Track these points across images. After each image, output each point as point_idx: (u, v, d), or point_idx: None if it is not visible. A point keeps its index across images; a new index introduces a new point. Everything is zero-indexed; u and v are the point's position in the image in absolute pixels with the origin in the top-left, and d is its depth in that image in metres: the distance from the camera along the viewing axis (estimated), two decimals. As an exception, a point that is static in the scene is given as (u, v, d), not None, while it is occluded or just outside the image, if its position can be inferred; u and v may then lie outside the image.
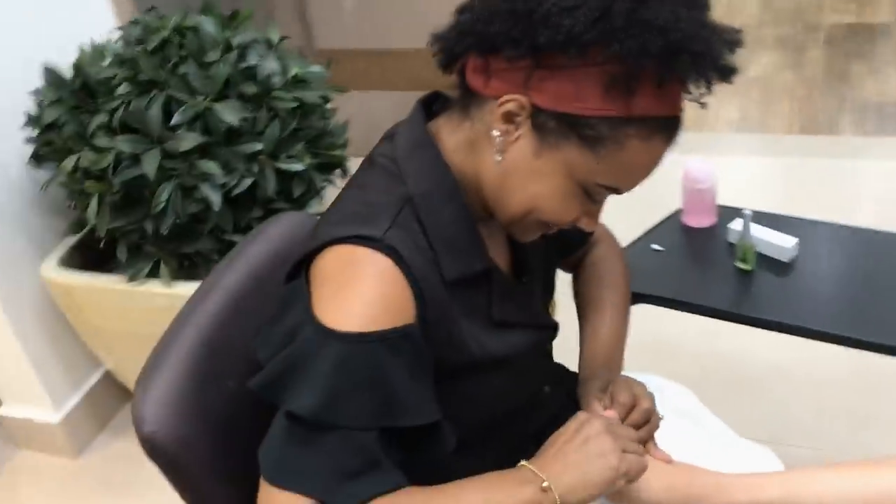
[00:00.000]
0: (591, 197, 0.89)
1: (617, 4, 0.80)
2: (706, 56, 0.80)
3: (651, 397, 1.01)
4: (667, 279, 1.31)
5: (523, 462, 0.88)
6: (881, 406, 1.95)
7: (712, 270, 1.35)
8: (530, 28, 0.81)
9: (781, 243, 1.29)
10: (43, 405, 2.15)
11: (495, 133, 0.87)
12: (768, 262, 1.31)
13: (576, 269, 1.26)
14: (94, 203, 1.74)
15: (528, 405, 1.08)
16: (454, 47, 0.88)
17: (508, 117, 0.86)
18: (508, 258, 1.04)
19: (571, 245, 1.21)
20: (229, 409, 1.04)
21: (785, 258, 1.30)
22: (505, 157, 0.88)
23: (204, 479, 1.00)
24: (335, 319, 0.82)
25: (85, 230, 1.87)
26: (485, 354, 0.94)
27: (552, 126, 0.84)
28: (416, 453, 0.89)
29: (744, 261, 1.29)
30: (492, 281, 0.96)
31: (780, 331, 1.21)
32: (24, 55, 1.84)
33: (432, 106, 0.99)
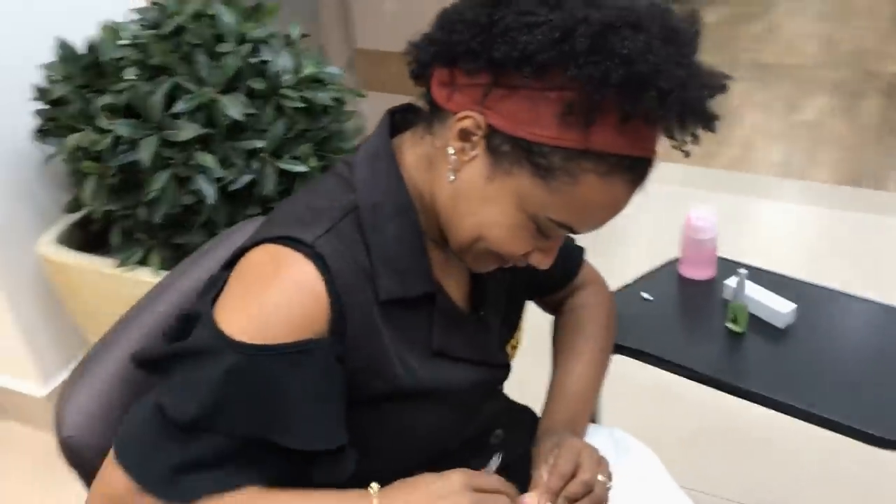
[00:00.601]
0: (543, 232, 0.83)
1: (582, 27, 0.73)
2: (674, 94, 0.73)
3: (596, 466, 0.92)
4: (650, 332, 1.23)
5: (372, 486, 0.82)
6: (889, 480, 1.84)
7: (701, 328, 1.26)
8: (489, 40, 0.76)
9: (777, 307, 1.20)
10: (31, 378, 2.14)
11: (450, 150, 0.82)
12: (762, 326, 1.22)
13: (557, 312, 1.18)
14: (90, 184, 1.71)
15: (473, 448, 1.01)
16: (422, 56, 0.83)
17: (464, 135, 0.81)
18: (467, 288, 0.97)
19: (549, 284, 1.14)
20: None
21: (780, 324, 1.21)
22: (458, 178, 0.83)
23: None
24: (234, 326, 0.78)
25: (82, 211, 1.85)
26: (415, 385, 0.87)
27: (506, 150, 0.79)
28: (306, 474, 0.83)
29: (735, 321, 1.20)
30: (435, 307, 0.89)
31: (765, 405, 1.12)
32: (43, 27, 1.82)
33: (406, 116, 0.93)
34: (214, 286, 0.85)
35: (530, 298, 1.17)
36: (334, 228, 0.83)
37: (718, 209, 2.79)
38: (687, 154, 0.84)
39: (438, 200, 0.86)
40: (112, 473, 0.80)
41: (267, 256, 0.82)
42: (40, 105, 1.78)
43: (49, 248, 1.88)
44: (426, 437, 0.91)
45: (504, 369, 1.00)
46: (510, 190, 0.80)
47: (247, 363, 0.78)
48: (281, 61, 1.73)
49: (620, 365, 2.11)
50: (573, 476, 0.90)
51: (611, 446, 1.14)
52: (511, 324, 1.03)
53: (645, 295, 1.30)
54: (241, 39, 1.73)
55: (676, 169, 3.05)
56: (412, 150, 0.88)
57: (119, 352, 1.00)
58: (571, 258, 1.16)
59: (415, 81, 0.87)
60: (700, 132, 0.81)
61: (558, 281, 1.15)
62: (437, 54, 0.82)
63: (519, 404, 1.21)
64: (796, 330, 1.21)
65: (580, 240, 1.07)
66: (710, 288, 1.30)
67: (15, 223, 1.94)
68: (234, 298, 0.81)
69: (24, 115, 1.82)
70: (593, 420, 1.39)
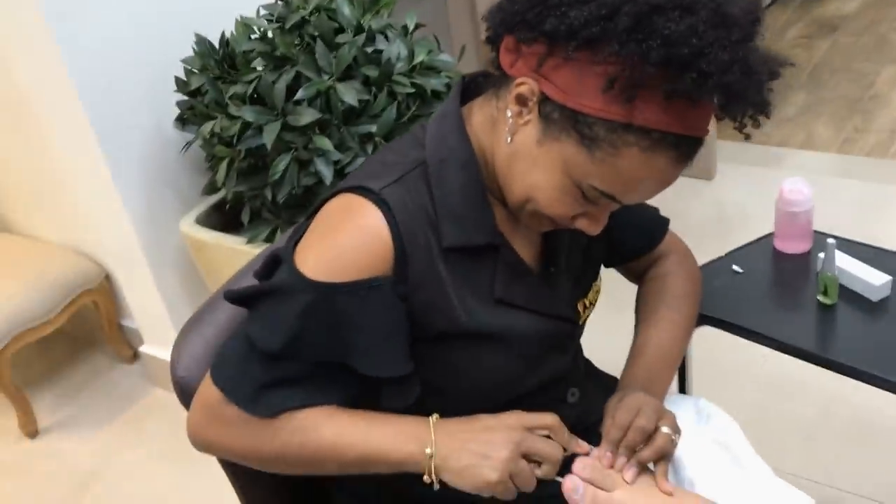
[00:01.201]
0: (589, 199, 0.87)
1: (628, 6, 0.77)
2: (715, 77, 0.76)
3: (654, 416, 0.95)
4: (737, 303, 1.22)
5: (434, 417, 0.90)
6: None
7: (791, 300, 1.24)
8: (543, 13, 0.81)
9: (871, 279, 1.17)
10: (176, 348, 2.34)
11: (508, 113, 0.88)
12: (855, 299, 1.19)
13: (640, 281, 1.21)
14: (223, 167, 1.87)
15: (548, 405, 1.05)
16: (492, 23, 0.90)
17: (521, 100, 0.86)
18: (538, 247, 1.02)
19: (630, 251, 1.17)
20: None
21: (874, 297, 1.17)
22: (514, 140, 0.88)
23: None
24: (309, 266, 0.89)
25: (218, 194, 2.01)
26: (476, 326, 0.93)
27: (556, 117, 0.84)
28: (374, 401, 0.93)
29: (825, 293, 1.18)
30: (498, 257, 0.95)
31: (855, 377, 1.10)
32: (186, 25, 1.99)
33: (481, 83, 1.00)
34: (298, 232, 0.96)
35: (614, 265, 1.20)
36: (402, 179, 0.91)
37: (859, 198, 2.70)
38: (747, 136, 0.86)
39: (497, 160, 0.92)
40: (208, 388, 0.95)
41: (340, 204, 0.92)
42: (180, 96, 1.96)
43: (190, 227, 2.06)
44: (486, 378, 0.96)
45: (570, 324, 1.04)
46: (558, 155, 0.85)
47: (322, 300, 0.88)
48: (394, 50, 1.82)
49: (742, 352, 2.09)
50: (629, 426, 0.93)
51: (693, 413, 1.15)
52: (585, 284, 1.07)
53: (735, 267, 1.29)
54: (359, 30, 1.84)
55: (811, 156, 2.96)
56: (480, 112, 0.95)
57: (227, 306, 1.11)
58: (655, 227, 1.19)
59: (490, 47, 0.93)
60: (764, 119, 0.84)
61: (640, 248, 1.17)
62: (502, 22, 0.87)
63: (603, 372, 1.24)
64: (891, 303, 1.17)
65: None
66: (804, 261, 1.28)
67: (160, 205, 2.13)
68: (311, 242, 0.92)
69: (170, 105, 2.00)
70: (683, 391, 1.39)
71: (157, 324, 2.34)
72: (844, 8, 4.21)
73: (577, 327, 1.05)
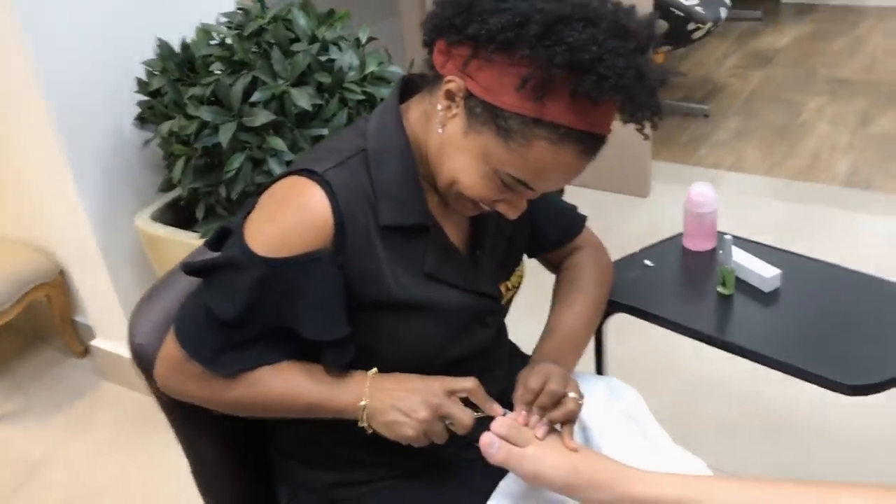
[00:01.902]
0: (506, 185, 0.99)
1: (537, 16, 0.90)
2: (611, 81, 0.89)
3: (563, 382, 1.07)
4: (647, 293, 1.36)
5: (373, 372, 1.06)
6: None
7: (694, 291, 1.38)
8: (467, 19, 0.94)
9: (763, 272, 1.31)
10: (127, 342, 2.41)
11: (439, 107, 1.00)
12: (750, 290, 1.33)
13: (557, 270, 1.34)
14: (180, 164, 1.96)
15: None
16: (427, 28, 1.02)
17: (450, 95, 0.98)
18: (466, 233, 1.15)
19: (548, 242, 1.30)
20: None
21: (765, 288, 1.32)
22: (444, 131, 1.01)
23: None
24: (259, 243, 1.01)
25: (174, 192, 2.10)
26: (406, 297, 1.06)
27: (478, 112, 0.96)
28: (314, 359, 1.07)
29: (723, 285, 1.32)
30: (429, 237, 1.07)
31: (747, 357, 1.24)
32: (150, 29, 2.09)
33: (419, 82, 1.12)
34: (247, 208, 1.07)
35: (535, 255, 1.33)
36: (344, 163, 1.04)
37: (782, 218, 2.88)
38: (646, 136, 1.00)
39: (429, 148, 1.04)
40: (173, 346, 1.07)
41: (287, 184, 1.04)
42: (141, 96, 2.05)
43: (145, 223, 2.15)
44: (412, 344, 1.08)
45: (492, 300, 1.16)
46: (479, 145, 0.97)
47: (270, 274, 1.00)
48: (346, 59, 1.94)
49: (662, 357, 2.22)
50: (540, 391, 1.06)
51: (604, 388, 1.28)
52: (508, 268, 1.19)
53: (647, 262, 1.43)
54: (313, 40, 1.95)
55: (740, 178, 3.15)
56: (416, 108, 1.07)
57: (183, 279, 1.21)
58: (572, 222, 1.32)
59: (426, 50, 1.05)
60: (657, 120, 0.97)
61: (558, 240, 1.30)
62: (434, 27, 1.00)
63: (527, 354, 1.36)
64: (780, 294, 1.32)
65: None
66: (708, 258, 1.42)
67: (117, 201, 2.21)
68: (259, 220, 1.03)
69: (128, 105, 2.10)
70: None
71: (109, 318, 2.41)
72: (778, 42, 4.46)
73: (499, 305, 1.17)
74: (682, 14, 3.18)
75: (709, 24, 3.28)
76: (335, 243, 1.02)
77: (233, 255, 1.03)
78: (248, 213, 1.06)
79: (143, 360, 1.16)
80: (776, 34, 4.57)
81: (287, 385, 1.06)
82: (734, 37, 4.58)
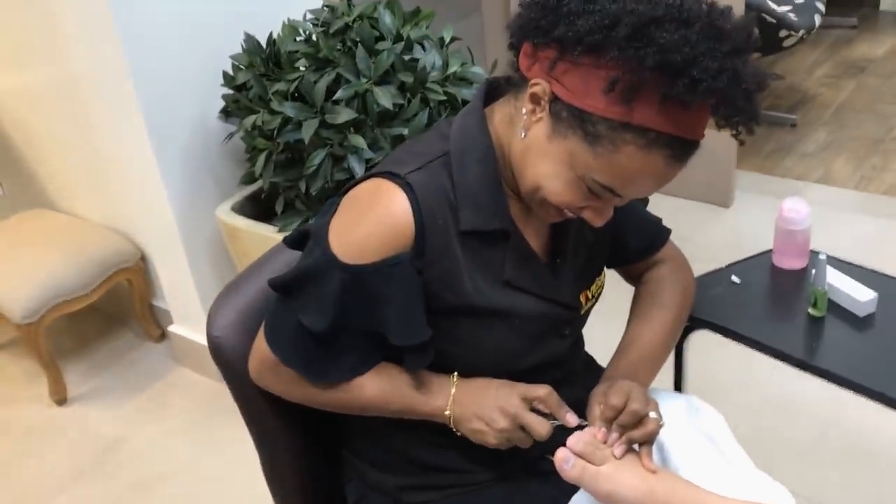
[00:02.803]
0: (593, 192, 0.96)
1: (627, 17, 0.88)
2: (705, 84, 0.85)
3: (645, 402, 1.04)
4: (733, 310, 1.31)
5: (455, 377, 1.08)
6: None
7: (783, 311, 1.33)
8: (555, 21, 0.92)
9: (857, 295, 1.25)
10: (204, 330, 2.45)
11: (523, 111, 0.98)
12: (843, 314, 1.27)
13: (637, 283, 1.30)
14: (262, 158, 1.98)
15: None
16: (513, 31, 1.00)
17: (535, 99, 0.96)
18: (546, 239, 1.12)
19: (631, 253, 1.26)
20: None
21: (860, 312, 1.26)
22: (528, 135, 0.98)
23: (250, 382, 1.16)
24: (341, 248, 1.01)
25: (255, 185, 2.13)
26: (484, 303, 1.04)
27: (564, 116, 0.94)
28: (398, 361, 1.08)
29: (815, 306, 1.27)
30: (510, 243, 1.06)
31: (838, 384, 1.18)
32: (238, 24, 2.12)
33: (504, 86, 1.09)
34: (330, 209, 1.07)
35: (615, 266, 1.30)
36: (426, 167, 1.02)
37: (872, 235, 2.77)
38: (742, 142, 0.96)
39: (513, 153, 1.02)
40: (265, 349, 1.08)
41: (370, 187, 1.04)
42: (226, 90, 2.08)
43: (225, 214, 2.18)
44: (488, 351, 1.07)
45: (571, 311, 1.13)
46: (564, 150, 0.95)
47: (355, 280, 1.00)
48: (430, 59, 1.93)
49: (742, 377, 2.15)
50: (622, 409, 1.03)
51: (684, 406, 1.24)
52: (588, 277, 1.16)
53: (734, 278, 1.38)
54: (398, 38, 1.95)
55: (828, 191, 3.03)
56: (500, 111, 1.05)
57: (262, 275, 1.22)
58: (656, 234, 1.28)
59: (512, 53, 1.04)
60: (754, 126, 0.93)
61: (641, 252, 1.27)
62: (520, 29, 0.98)
63: (599, 365, 1.34)
64: (875, 319, 1.26)
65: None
66: (799, 277, 1.37)
67: (199, 192, 2.26)
68: (342, 225, 1.03)
69: (216, 98, 2.13)
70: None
71: (187, 305, 2.46)
72: (873, 52, 4.28)
73: (577, 315, 1.15)
74: (774, 21, 3.08)
75: (801, 32, 3.17)
76: (415, 247, 1.01)
77: (317, 264, 1.03)
78: (330, 216, 1.06)
79: (220, 352, 1.17)
80: (872, 43, 4.39)
81: (378, 390, 1.08)
82: (826, 45, 4.42)
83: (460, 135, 1.05)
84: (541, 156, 0.97)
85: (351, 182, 1.08)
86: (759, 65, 0.92)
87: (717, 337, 1.32)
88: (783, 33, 3.13)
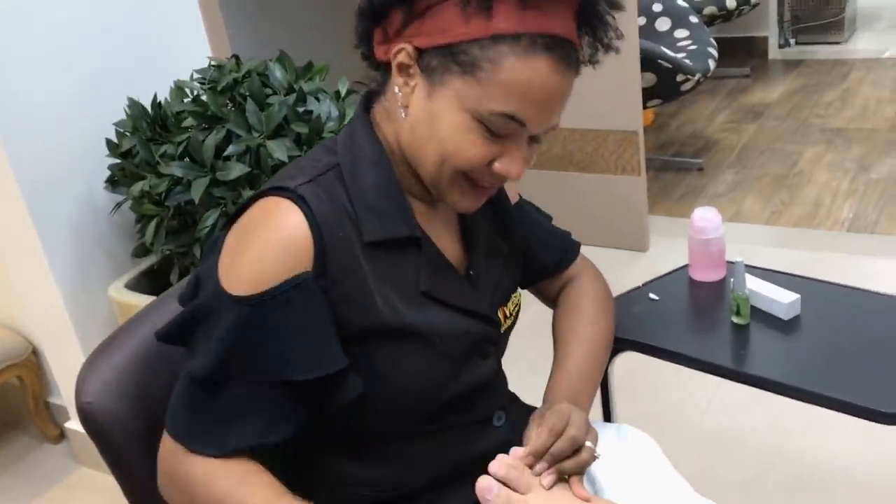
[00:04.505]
0: (494, 131, 0.88)
1: None
2: None
3: (585, 429, 0.95)
4: (656, 327, 1.24)
5: None
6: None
7: (706, 323, 1.26)
8: None
9: (781, 298, 1.19)
10: (104, 423, 2.26)
11: (397, 90, 0.91)
12: (767, 319, 1.21)
13: (555, 303, 1.22)
14: (152, 226, 1.86)
15: (476, 427, 1.04)
16: (359, 30, 0.95)
17: (402, 68, 0.90)
18: (458, 251, 1.04)
19: (541, 268, 1.18)
20: (166, 394, 1.07)
21: (784, 315, 1.20)
22: (410, 110, 0.91)
23: (129, 452, 1.03)
24: (231, 282, 0.88)
25: (149, 258, 1.99)
26: (399, 322, 0.93)
27: (436, 64, 0.88)
28: (322, 404, 0.92)
29: (738, 314, 1.20)
30: (422, 251, 0.96)
31: (769, 389, 1.11)
32: (123, 90, 2.02)
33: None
34: (215, 246, 0.95)
35: (529, 284, 1.21)
36: (316, 179, 0.93)
37: (789, 266, 2.78)
38: (593, 65, 0.93)
39: (403, 142, 0.94)
40: (165, 445, 0.92)
41: (256, 210, 0.92)
42: (112, 159, 1.96)
43: (119, 292, 2.03)
44: (409, 382, 0.94)
45: (492, 326, 1.03)
46: (449, 96, 0.88)
47: (248, 314, 0.87)
48: (325, 109, 1.86)
49: (679, 412, 2.08)
50: (560, 434, 0.93)
51: (613, 436, 1.15)
52: (505, 292, 1.07)
53: (652, 295, 1.32)
54: (290, 91, 1.88)
55: (742, 228, 3.05)
56: (379, 113, 0.98)
57: (139, 332, 1.09)
58: (568, 247, 1.21)
59: (366, 62, 0.98)
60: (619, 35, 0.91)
61: (553, 267, 1.19)
62: (364, 19, 0.93)
63: (524, 402, 1.23)
64: (801, 321, 1.20)
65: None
66: (718, 288, 1.31)
67: (90, 271, 2.10)
68: (231, 255, 0.91)
69: (101, 167, 2.00)
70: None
71: (84, 397, 2.27)
72: (768, 97, 4.43)
73: (498, 333, 1.05)
74: (670, 66, 3.13)
75: (698, 76, 3.24)
76: (316, 264, 0.89)
77: (205, 303, 0.90)
78: (217, 253, 0.93)
79: (91, 419, 1.02)
80: (766, 89, 4.55)
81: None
82: (724, 93, 4.55)
83: (348, 144, 0.96)
84: (430, 121, 0.90)
85: (233, 213, 0.96)
86: None
87: (642, 362, 1.24)
88: (680, 77, 3.18)
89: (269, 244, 0.88)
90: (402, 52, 0.89)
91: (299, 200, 0.90)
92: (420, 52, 0.88)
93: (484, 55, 0.85)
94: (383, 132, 0.97)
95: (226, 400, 0.89)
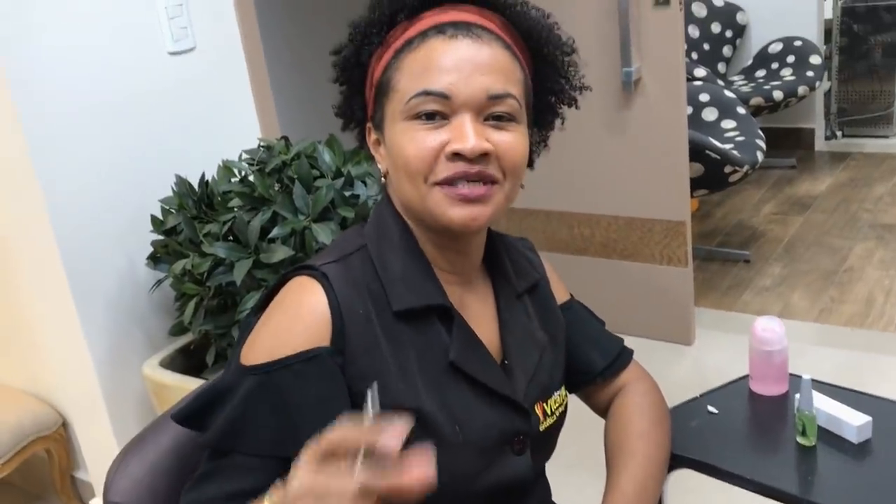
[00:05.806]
0: (426, 117, 0.89)
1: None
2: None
3: None
4: (714, 444, 1.16)
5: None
6: None
7: (769, 442, 1.18)
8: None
9: (851, 420, 1.12)
10: (129, 503, 2.20)
11: (377, 163, 0.98)
12: (835, 441, 1.13)
13: (606, 414, 1.15)
14: (191, 305, 1.83)
15: None
16: (359, 140, 1.04)
17: (375, 144, 0.98)
18: (496, 342, 1.01)
19: (592, 371, 1.12)
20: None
21: (854, 438, 1.12)
22: (384, 167, 0.97)
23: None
24: (248, 355, 0.88)
25: (186, 336, 1.96)
26: (415, 403, 0.88)
27: (378, 113, 0.95)
28: None
29: (803, 434, 1.13)
30: (454, 324, 0.94)
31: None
32: (170, 168, 2.02)
33: None
34: (246, 330, 0.93)
35: (578, 389, 1.15)
36: (343, 259, 0.93)
37: (842, 368, 2.67)
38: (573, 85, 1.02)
39: (401, 200, 0.96)
40: None
41: (287, 286, 0.92)
42: (156, 236, 1.95)
43: (153, 370, 2.00)
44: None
45: (526, 418, 0.97)
46: (389, 124, 0.93)
47: (258, 382, 0.86)
48: (371, 193, 1.84)
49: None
50: None
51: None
52: (543, 386, 1.02)
53: (711, 408, 1.24)
54: (338, 175, 1.86)
55: (791, 325, 2.96)
56: (390, 193, 1.00)
57: (171, 428, 1.04)
58: (620, 351, 1.15)
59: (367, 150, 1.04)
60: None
61: (605, 368, 1.13)
62: (359, 133, 1.02)
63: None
64: (871, 445, 1.12)
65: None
66: (781, 403, 1.23)
67: (125, 347, 2.08)
68: (254, 332, 0.90)
69: (145, 245, 2.00)
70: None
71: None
72: (815, 189, 4.36)
73: (534, 428, 0.99)
74: (718, 157, 3.09)
75: (746, 168, 3.19)
76: (334, 340, 0.87)
77: (224, 381, 0.88)
78: (246, 334, 0.92)
79: (121, 523, 0.98)
80: (812, 181, 4.48)
81: None
82: (769, 184, 4.49)
83: (375, 224, 0.98)
84: (391, 157, 0.93)
85: (264, 294, 0.95)
86: None
87: (696, 478, 1.16)
88: (728, 168, 3.14)
89: (287, 317, 0.89)
90: (369, 132, 0.98)
91: (322, 278, 0.90)
92: (373, 119, 0.96)
93: (394, 70, 0.92)
94: (397, 207, 0.98)
95: (235, 476, 0.85)
